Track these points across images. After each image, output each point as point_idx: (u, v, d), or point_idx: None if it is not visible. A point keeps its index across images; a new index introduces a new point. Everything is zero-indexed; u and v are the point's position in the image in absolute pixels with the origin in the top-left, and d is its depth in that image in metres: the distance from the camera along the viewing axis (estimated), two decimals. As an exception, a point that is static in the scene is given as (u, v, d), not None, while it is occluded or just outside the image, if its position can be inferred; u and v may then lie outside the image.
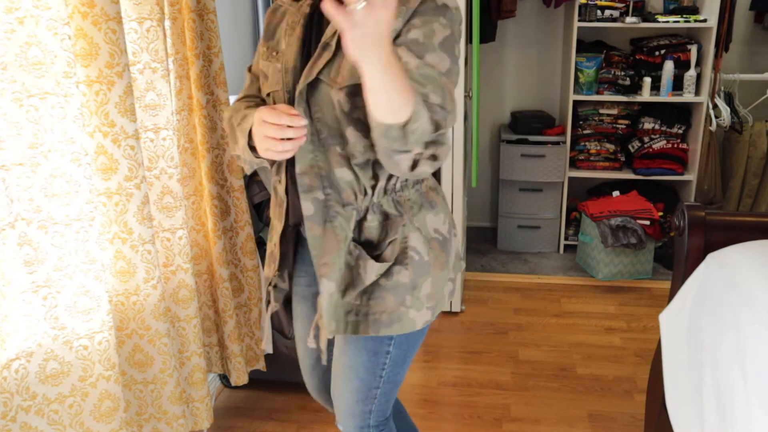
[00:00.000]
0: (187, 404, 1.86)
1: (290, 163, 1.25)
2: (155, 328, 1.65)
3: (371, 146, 1.17)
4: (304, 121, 1.11)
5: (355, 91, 1.14)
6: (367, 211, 1.25)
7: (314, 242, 1.25)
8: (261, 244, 2.20)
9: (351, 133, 1.19)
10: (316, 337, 1.37)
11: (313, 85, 1.18)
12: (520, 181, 3.65)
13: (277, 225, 1.36)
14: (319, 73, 1.16)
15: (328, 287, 1.25)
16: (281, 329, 2.27)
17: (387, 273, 1.25)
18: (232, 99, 2.16)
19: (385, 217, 1.26)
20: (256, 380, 2.39)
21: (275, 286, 1.43)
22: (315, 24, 1.23)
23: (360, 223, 1.26)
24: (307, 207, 1.23)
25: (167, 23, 1.74)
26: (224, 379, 2.39)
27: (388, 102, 0.97)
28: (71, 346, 1.45)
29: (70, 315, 1.44)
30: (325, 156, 1.22)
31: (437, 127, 1.04)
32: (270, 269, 1.41)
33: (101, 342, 1.50)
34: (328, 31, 1.18)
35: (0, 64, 1.25)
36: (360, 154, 1.21)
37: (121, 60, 1.45)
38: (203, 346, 1.98)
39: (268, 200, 2.23)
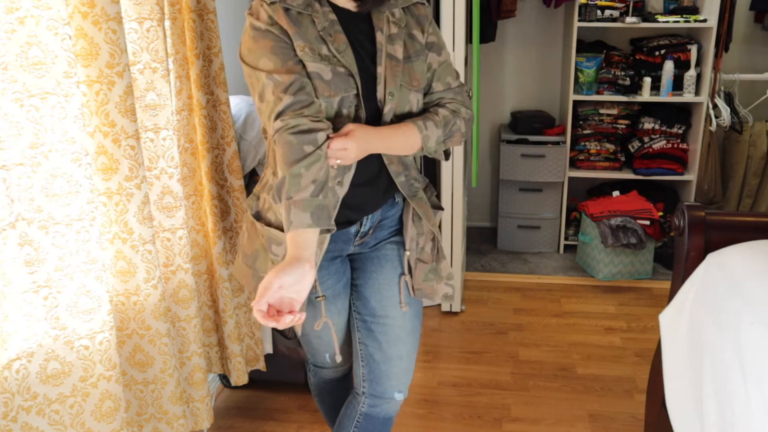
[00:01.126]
0: (187, 404, 1.86)
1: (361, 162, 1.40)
2: (155, 328, 1.66)
3: None
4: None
5: (423, 89, 1.43)
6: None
7: (422, 211, 1.49)
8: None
9: None
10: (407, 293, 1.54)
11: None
12: (520, 181, 3.65)
13: (324, 234, 1.31)
14: (400, 80, 1.38)
15: (439, 236, 1.52)
16: (281, 329, 2.27)
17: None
18: (233, 99, 2.16)
19: (425, 183, 1.58)
20: (256, 380, 2.39)
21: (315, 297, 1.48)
22: (347, 29, 1.36)
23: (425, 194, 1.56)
24: (403, 188, 1.46)
25: (167, 23, 1.74)
26: (224, 379, 2.39)
27: (397, 151, 1.39)
28: (72, 346, 1.46)
29: (70, 315, 1.44)
30: None
31: (455, 123, 1.43)
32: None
33: (102, 342, 1.50)
34: (382, 40, 1.37)
35: (0, 64, 1.25)
36: None
37: (121, 60, 1.45)
38: (203, 346, 1.98)
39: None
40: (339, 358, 1.54)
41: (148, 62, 1.63)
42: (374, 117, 1.37)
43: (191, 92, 1.88)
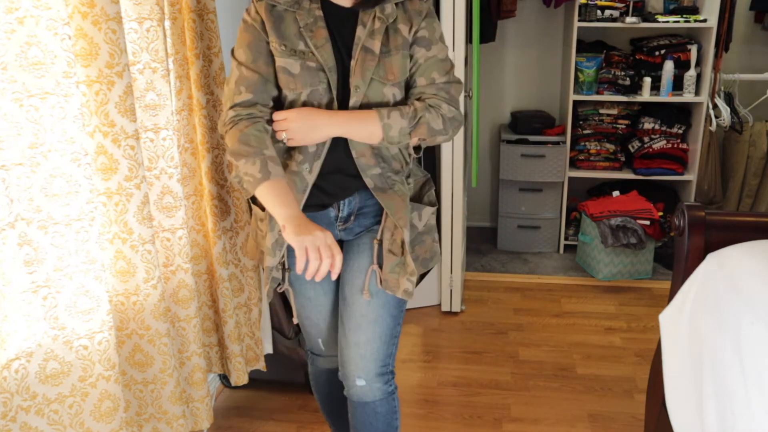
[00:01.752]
0: (187, 404, 1.86)
1: (327, 155, 1.46)
2: (155, 328, 1.65)
3: None
4: (340, 263, 1.32)
5: (401, 84, 1.46)
6: (408, 176, 1.56)
7: (387, 203, 1.48)
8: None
9: None
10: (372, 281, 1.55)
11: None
12: (520, 181, 3.65)
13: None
14: (372, 73, 1.41)
15: (407, 235, 1.49)
16: (281, 329, 2.27)
17: (426, 222, 1.58)
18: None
19: (417, 177, 1.60)
20: (256, 380, 2.39)
21: (281, 269, 1.58)
22: (333, 25, 1.44)
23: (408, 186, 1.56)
24: (369, 182, 1.48)
25: (167, 23, 1.73)
26: (224, 379, 2.39)
27: (356, 136, 1.43)
28: (71, 346, 1.45)
29: (70, 315, 1.44)
30: None
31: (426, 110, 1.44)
32: (276, 257, 1.53)
33: (101, 342, 1.50)
34: (361, 34, 1.42)
35: (0, 64, 1.25)
36: None
37: (121, 60, 1.45)
38: (203, 346, 1.98)
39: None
40: (322, 347, 1.64)
41: (148, 62, 1.63)
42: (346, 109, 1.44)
43: (191, 92, 1.88)
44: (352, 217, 1.56)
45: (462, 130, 2.82)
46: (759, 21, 3.61)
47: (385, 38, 1.44)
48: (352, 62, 1.41)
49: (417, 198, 1.59)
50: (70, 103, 1.37)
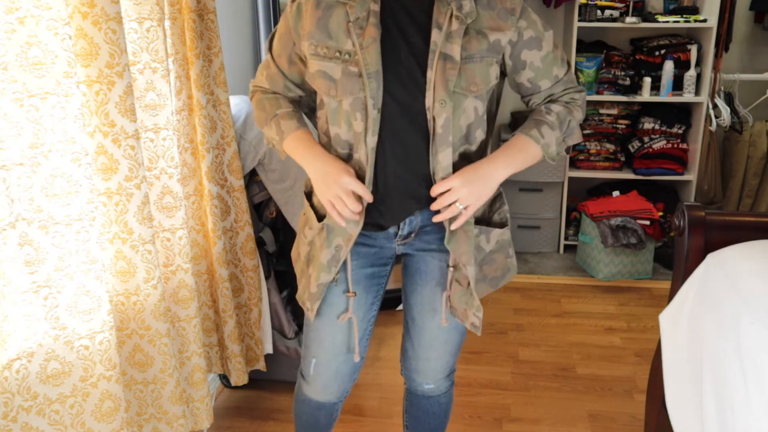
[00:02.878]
0: (187, 404, 1.86)
1: (380, 171, 1.32)
2: (155, 328, 1.65)
3: (486, 142, 1.37)
4: (359, 209, 1.29)
5: (485, 96, 1.29)
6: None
7: (448, 238, 1.34)
8: (261, 244, 2.20)
9: (479, 134, 1.33)
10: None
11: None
12: (520, 181, 3.65)
13: (351, 229, 1.34)
14: (454, 85, 1.23)
15: (471, 272, 1.36)
16: (281, 329, 2.27)
17: (506, 247, 1.45)
18: (232, 99, 2.16)
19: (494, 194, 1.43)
20: (256, 380, 2.40)
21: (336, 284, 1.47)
22: (392, 21, 1.24)
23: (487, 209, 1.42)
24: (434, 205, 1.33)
25: (167, 23, 1.74)
26: (224, 379, 2.39)
27: (523, 166, 1.33)
28: (72, 346, 1.45)
29: (70, 315, 1.44)
30: (452, 157, 1.31)
31: (570, 113, 1.34)
32: (331, 273, 1.39)
33: (102, 342, 1.50)
34: (438, 39, 1.22)
35: (0, 64, 1.25)
36: (484, 149, 1.36)
37: (121, 60, 1.45)
38: (203, 346, 1.98)
39: (268, 200, 2.23)
40: (311, 370, 1.54)
41: (148, 62, 1.63)
42: (418, 129, 1.27)
43: (191, 92, 1.88)
44: (413, 234, 1.42)
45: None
46: (759, 21, 3.61)
47: (466, 41, 1.23)
48: (429, 73, 1.22)
49: (486, 218, 1.41)
50: (71, 103, 1.37)
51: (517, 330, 2.91)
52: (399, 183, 1.32)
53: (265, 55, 1.43)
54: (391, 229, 1.40)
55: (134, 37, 1.60)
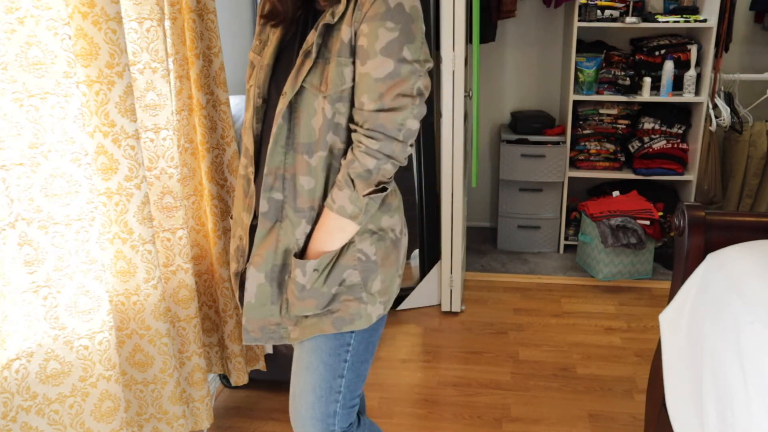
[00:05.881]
0: (187, 404, 1.86)
1: (262, 158, 1.31)
2: (155, 328, 1.65)
3: (345, 151, 1.26)
4: None
5: (338, 98, 1.22)
6: (319, 214, 1.29)
7: (260, 234, 1.30)
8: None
9: (330, 138, 1.25)
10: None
11: (298, 92, 1.23)
12: (520, 181, 3.65)
13: (245, 218, 1.36)
14: (303, 80, 1.22)
15: (257, 277, 1.30)
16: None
17: (341, 282, 1.30)
18: (233, 99, 2.16)
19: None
20: (256, 380, 2.40)
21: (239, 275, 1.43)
22: (301, 24, 1.32)
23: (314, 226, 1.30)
24: (263, 204, 1.28)
25: (167, 23, 1.74)
26: (224, 379, 2.39)
27: (341, 241, 1.27)
28: (71, 346, 1.45)
29: (70, 315, 1.44)
30: (293, 160, 1.26)
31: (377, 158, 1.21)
32: (240, 263, 1.39)
33: (101, 342, 1.50)
34: (309, 39, 1.22)
35: (0, 64, 1.25)
36: (333, 158, 1.26)
37: (121, 60, 1.45)
38: (203, 346, 1.98)
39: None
40: None
41: (148, 62, 1.63)
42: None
43: (191, 92, 1.88)
44: None
45: (462, 130, 2.82)
46: (759, 21, 3.61)
47: (329, 41, 1.21)
48: (294, 68, 1.24)
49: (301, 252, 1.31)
50: (71, 103, 1.37)
51: (517, 330, 2.91)
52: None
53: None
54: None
55: (134, 37, 1.60)
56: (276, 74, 1.31)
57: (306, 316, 1.33)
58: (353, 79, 1.21)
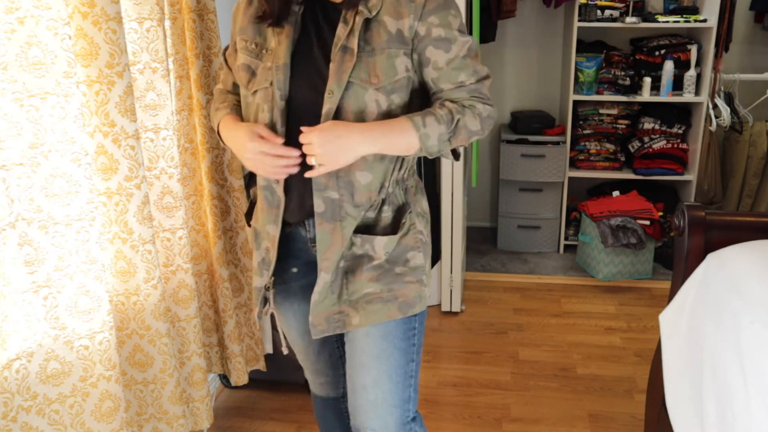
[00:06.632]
0: (187, 404, 1.86)
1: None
2: (155, 328, 1.65)
3: None
4: (297, 152, 1.22)
5: (392, 89, 1.24)
6: (383, 203, 1.31)
7: (322, 237, 1.28)
8: (261, 244, 2.20)
9: None
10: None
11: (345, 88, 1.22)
12: (520, 181, 3.65)
13: (271, 229, 1.33)
14: (350, 75, 1.21)
15: (325, 279, 1.30)
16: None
17: (404, 261, 1.33)
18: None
19: (397, 208, 1.33)
20: (256, 380, 2.40)
21: (267, 289, 1.41)
22: (310, 21, 1.28)
23: (377, 216, 1.31)
24: (319, 204, 1.27)
25: (167, 23, 1.74)
26: (224, 379, 2.39)
27: (391, 150, 1.23)
28: (72, 346, 1.46)
29: (70, 315, 1.44)
30: None
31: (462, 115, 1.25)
32: (264, 277, 1.38)
33: (102, 342, 1.50)
34: (341, 33, 1.23)
35: (0, 64, 1.25)
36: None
37: (121, 60, 1.45)
38: (203, 346, 1.98)
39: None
40: (284, 351, 1.50)
41: (148, 62, 1.63)
42: (317, 122, 1.24)
43: (191, 92, 1.88)
44: None
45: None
46: (759, 21, 3.61)
47: (368, 34, 1.22)
48: (332, 65, 1.22)
49: (393, 228, 1.33)
50: (71, 103, 1.37)
51: (517, 330, 2.91)
52: (299, 176, 1.28)
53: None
54: (302, 231, 1.35)
55: (134, 37, 1.60)
56: (295, 73, 1.26)
57: (368, 302, 1.32)
58: (407, 70, 1.25)
